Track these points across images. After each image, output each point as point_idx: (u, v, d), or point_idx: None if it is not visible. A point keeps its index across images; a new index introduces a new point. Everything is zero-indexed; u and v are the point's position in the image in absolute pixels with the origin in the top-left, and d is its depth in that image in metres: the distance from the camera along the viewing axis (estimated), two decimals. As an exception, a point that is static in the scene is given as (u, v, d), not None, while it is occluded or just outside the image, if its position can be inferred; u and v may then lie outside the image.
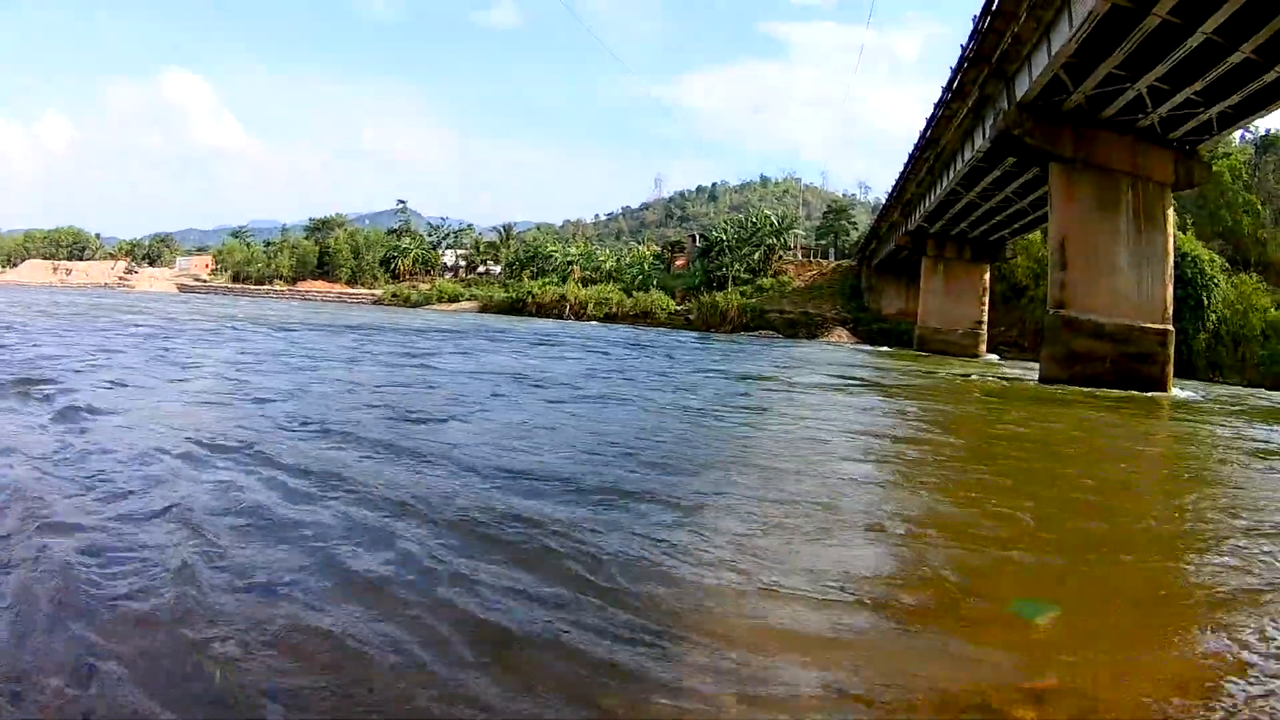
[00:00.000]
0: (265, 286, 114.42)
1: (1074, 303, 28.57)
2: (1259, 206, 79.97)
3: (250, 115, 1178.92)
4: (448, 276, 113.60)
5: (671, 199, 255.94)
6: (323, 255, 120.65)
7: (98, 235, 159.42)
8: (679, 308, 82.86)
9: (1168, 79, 25.62)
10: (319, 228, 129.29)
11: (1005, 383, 29.80)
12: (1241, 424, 20.40)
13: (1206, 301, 58.69)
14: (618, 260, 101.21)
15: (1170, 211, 30.45)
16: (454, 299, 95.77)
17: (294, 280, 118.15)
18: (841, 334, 72.84)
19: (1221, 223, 77.41)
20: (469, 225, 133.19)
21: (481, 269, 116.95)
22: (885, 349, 60.08)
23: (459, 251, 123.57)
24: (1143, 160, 29.54)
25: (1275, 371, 60.27)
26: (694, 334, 64.58)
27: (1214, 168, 73.81)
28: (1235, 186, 79.61)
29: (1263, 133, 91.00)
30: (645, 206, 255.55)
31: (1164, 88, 26.19)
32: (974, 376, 32.45)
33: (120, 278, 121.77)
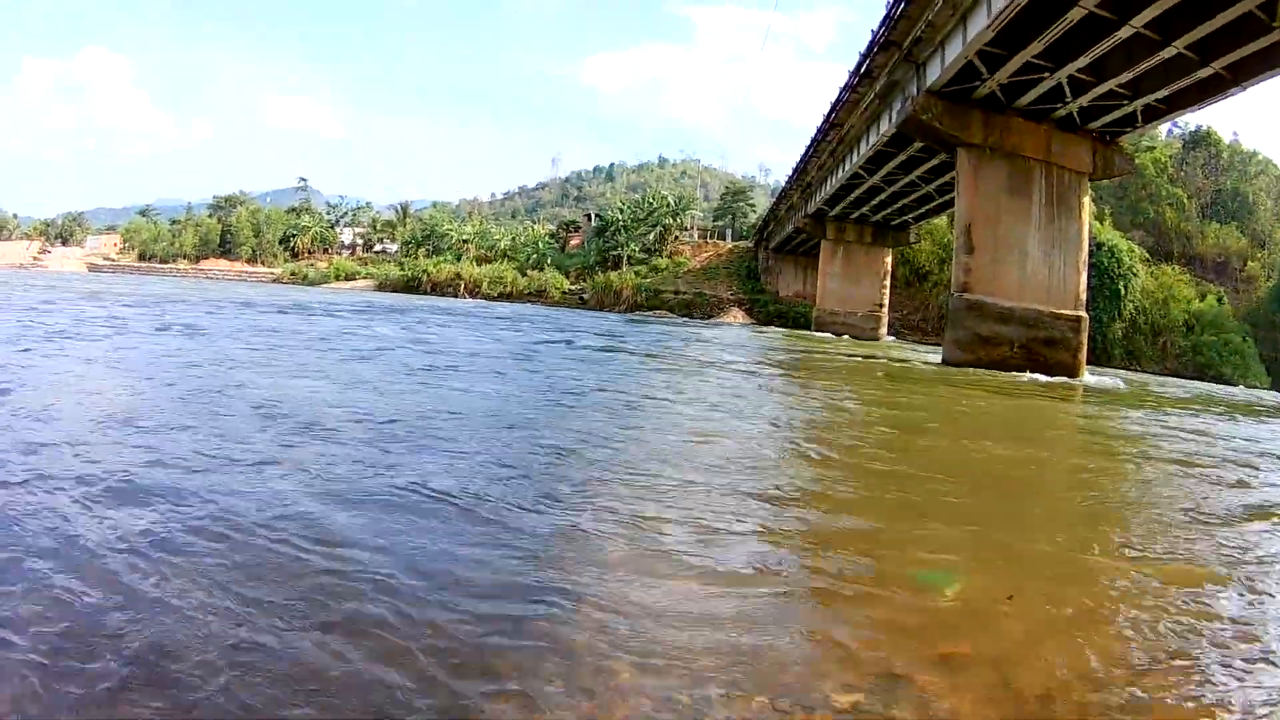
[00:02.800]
0: (170, 265, 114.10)
1: (979, 287, 29.62)
2: (1185, 200, 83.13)
3: (162, 93, 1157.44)
4: (345, 255, 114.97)
5: (568, 179, 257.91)
6: (225, 234, 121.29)
7: (15, 215, 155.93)
8: (573, 287, 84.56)
9: (1091, 70, 26.52)
10: (222, 206, 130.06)
11: (906, 365, 30.53)
12: (1152, 410, 21.34)
13: (1123, 290, 61.10)
14: (513, 239, 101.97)
15: (1086, 200, 31.45)
16: (350, 277, 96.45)
17: (198, 259, 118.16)
18: (737, 314, 74.60)
19: (1143, 214, 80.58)
20: (367, 204, 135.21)
21: (379, 247, 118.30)
22: (782, 330, 61.39)
23: (357, 230, 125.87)
24: (1058, 148, 30.64)
25: (1200, 362, 63.08)
26: (588, 313, 65.15)
27: (1137, 160, 76.89)
28: (1160, 179, 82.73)
29: (1193, 128, 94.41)
30: (541, 186, 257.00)
31: (1086, 79, 27.05)
32: (875, 358, 33.13)
33: (34, 258, 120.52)
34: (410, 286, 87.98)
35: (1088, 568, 6.03)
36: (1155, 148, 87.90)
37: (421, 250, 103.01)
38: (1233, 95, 26.31)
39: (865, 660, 3.89)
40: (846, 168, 45.92)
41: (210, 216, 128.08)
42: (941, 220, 62.84)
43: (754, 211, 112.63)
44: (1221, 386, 48.47)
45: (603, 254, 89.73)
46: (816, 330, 59.95)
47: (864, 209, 55.34)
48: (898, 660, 3.88)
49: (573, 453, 7.73)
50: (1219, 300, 72.61)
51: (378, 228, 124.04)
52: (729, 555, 5.04)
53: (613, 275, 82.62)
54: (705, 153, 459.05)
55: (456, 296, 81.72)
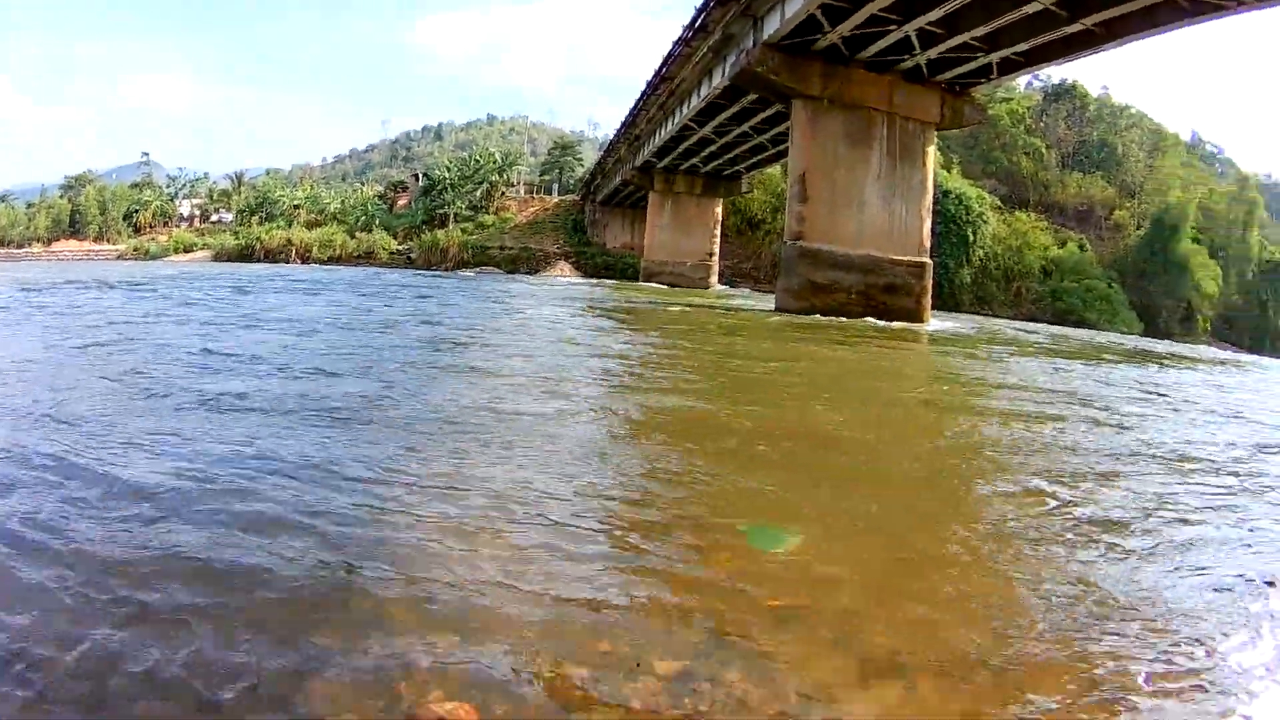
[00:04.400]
0: (25, 249, 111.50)
1: (814, 235, 30.35)
2: (1043, 150, 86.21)
3: (22, 78, 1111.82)
4: (184, 226, 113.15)
5: (397, 140, 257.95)
6: (74, 214, 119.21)
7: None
8: (400, 247, 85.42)
9: (943, 23, 26.93)
10: (71, 186, 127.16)
11: (739, 313, 31.19)
12: (995, 353, 22.29)
13: (972, 237, 63.33)
14: (342, 203, 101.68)
15: (932, 149, 32.60)
16: (189, 249, 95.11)
17: (49, 241, 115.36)
18: (565, 268, 76.05)
19: (996, 163, 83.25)
20: (204, 175, 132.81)
21: (215, 218, 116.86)
22: (610, 282, 62.60)
23: (194, 201, 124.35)
24: (902, 100, 31.51)
25: (1060, 307, 65.79)
26: (413, 272, 65.40)
27: (992, 111, 79.25)
28: (1017, 130, 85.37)
29: (1056, 81, 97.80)
30: (371, 149, 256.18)
31: (938, 31, 27.52)
32: (705, 307, 33.82)
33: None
34: (245, 255, 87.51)
35: (925, 517, 6.41)
36: (1013, 99, 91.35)
37: (255, 218, 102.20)
38: (1105, 51, 27.14)
39: (693, 622, 4.02)
40: (676, 120, 46.75)
41: (61, 197, 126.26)
42: (776, 170, 64.06)
43: (581, 166, 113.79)
44: (1086, 331, 50.73)
45: (429, 213, 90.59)
46: (645, 280, 61.62)
47: (694, 160, 56.45)
48: (728, 619, 4.03)
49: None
50: (1080, 247, 76.26)
51: (214, 198, 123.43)
52: (553, 515, 5.17)
53: (439, 234, 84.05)
54: (534, 109, 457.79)
55: (288, 262, 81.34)
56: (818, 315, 28.52)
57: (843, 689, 3.56)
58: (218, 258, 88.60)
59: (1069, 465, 8.32)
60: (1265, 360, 44.01)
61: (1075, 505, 6.58)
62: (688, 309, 31.13)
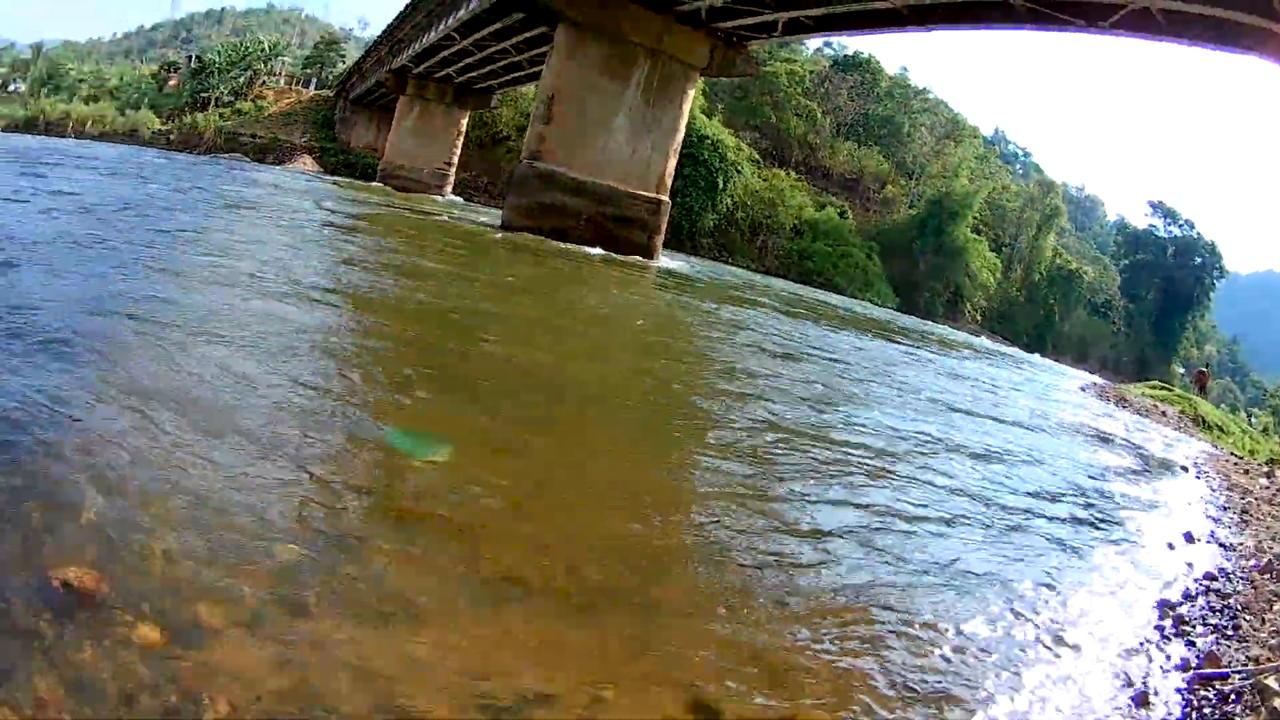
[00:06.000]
0: None
1: (552, 157, 30.68)
2: (818, 114, 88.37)
3: None
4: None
5: (182, 20, 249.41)
6: None
7: None
8: (162, 127, 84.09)
9: None
10: None
11: (467, 225, 32.00)
12: (713, 297, 23.79)
13: (722, 185, 64.37)
14: (121, 79, 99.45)
15: (692, 92, 33.46)
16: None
17: None
18: (307, 161, 75.59)
19: (762, 118, 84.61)
20: (11, 44, 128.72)
21: (12, 87, 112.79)
22: (347, 180, 62.24)
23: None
24: (671, 40, 31.83)
25: (808, 267, 68.20)
26: (165, 153, 63.23)
27: (771, 69, 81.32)
28: (793, 90, 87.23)
29: (849, 52, 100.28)
30: (158, 27, 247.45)
31: None
32: (435, 216, 34.42)
33: None
34: (29, 126, 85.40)
35: (583, 442, 7.17)
36: (797, 61, 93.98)
37: (44, 90, 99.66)
38: (911, 33, 27.53)
39: (323, 520, 4.36)
40: (440, 29, 46.96)
41: None
42: (529, 89, 64.05)
43: (344, 63, 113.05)
44: (831, 295, 53.17)
45: (194, 96, 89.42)
46: (380, 181, 62.06)
47: (450, 70, 57.13)
48: (356, 521, 4.42)
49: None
50: (841, 214, 79.68)
51: (14, 68, 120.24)
52: (208, 405, 5.49)
53: (199, 117, 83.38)
54: (314, 3, 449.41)
55: (64, 136, 79.44)
56: (544, 237, 29.11)
57: (451, 600, 4.01)
58: (7, 129, 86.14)
59: (723, 407, 9.51)
60: (1018, 353, 49.32)
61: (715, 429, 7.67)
62: (410, 214, 32.02)
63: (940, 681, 4.42)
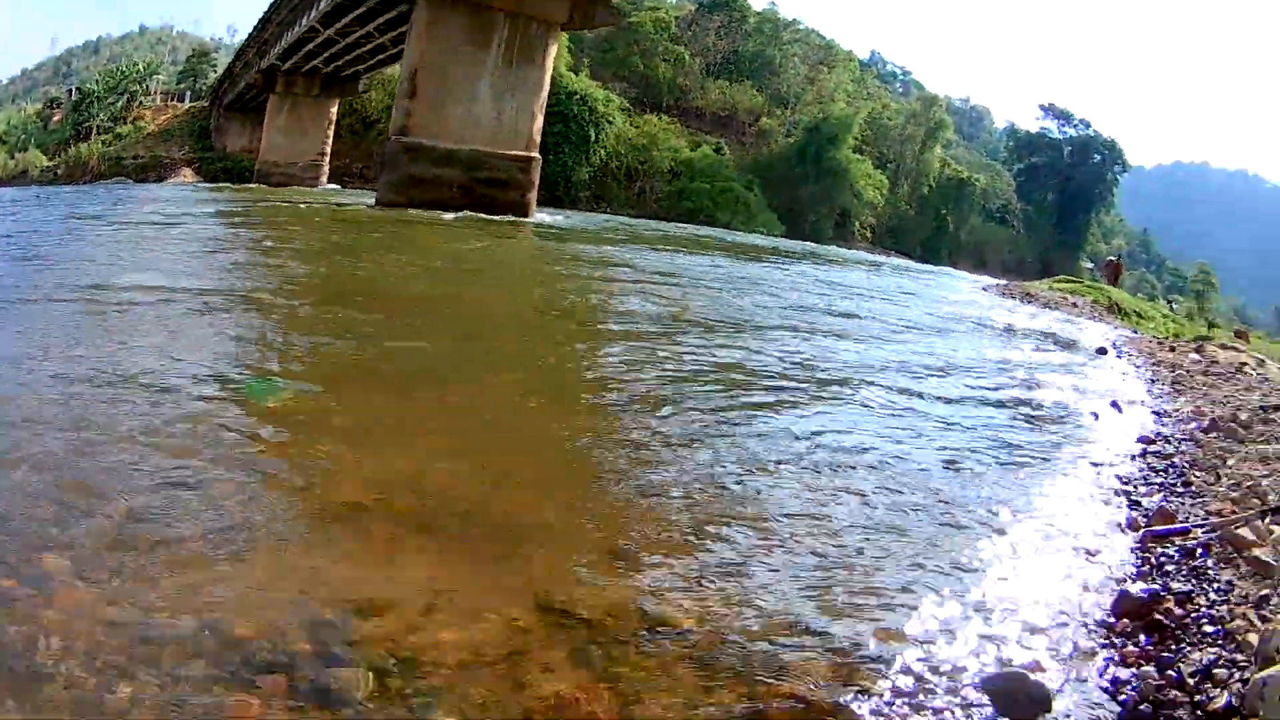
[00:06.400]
0: None
1: (420, 130, 31.40)
2: (686, 57, 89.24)
3: None
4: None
5: (60, 56, 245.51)
6: None
7: None
8: (50, 164, 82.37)
9: None
10: None
11: (338, 208, 31.94)
12: (584, 241, 24.86)
13: (594, 137, 65.29)
14: (8, 122, 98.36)
15: (553, 48, 34.38)
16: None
17: None
18: (188, 174, 74.69)
19: (631, 67, 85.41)
20: None
21: None
22: (227, 185, 61.03)
23: None
24: (530, 1, 32.61)
25: (689, 207, 69.42)
26: (46, 188, 62.31)
27: (635, 19, 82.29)
28: (659, 37, 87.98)
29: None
30: (40, 66, 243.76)
31: None
32: (307, 204, 33.61)
33: None
34: None
35: (440, 380, 7.41)
36: (661, 9, 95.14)
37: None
38: None
39: (165, 462, 4.60)
40: (305, 22, 47.51)
41: None
42: (395, 70, 64.08)
43: (215, 72, 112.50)
44: (717, 230, 53.75)
45: (77, 127, 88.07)
46: (258, 182, 61.22)
47: (316, 61, 57.37)
48: (202, 464, 4.62)
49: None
50: (717, 151, 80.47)
51: None
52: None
53: (82, 147, 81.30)
54: (183, 19, 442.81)
55: (-41, 184, 78.87)
56: (420, 209, 29.36)
57: (290, 528, 4.15)
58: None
59: (576, 330, 10.23)
60: (911, 264, 50.23)
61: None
62: (281, 205, 31.82)
63: (821, 564, 4.50)
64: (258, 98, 69.02)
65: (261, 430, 5.38)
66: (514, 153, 32.95)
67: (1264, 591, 4.60)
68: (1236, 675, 3.73)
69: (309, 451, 5.13)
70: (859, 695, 3.27)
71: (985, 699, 3.40)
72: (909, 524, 5.26)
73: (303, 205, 31.63)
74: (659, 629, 3.61)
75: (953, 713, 3.28)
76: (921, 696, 3.33)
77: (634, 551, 4.37)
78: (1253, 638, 3.99)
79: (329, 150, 65.33)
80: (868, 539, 4.88)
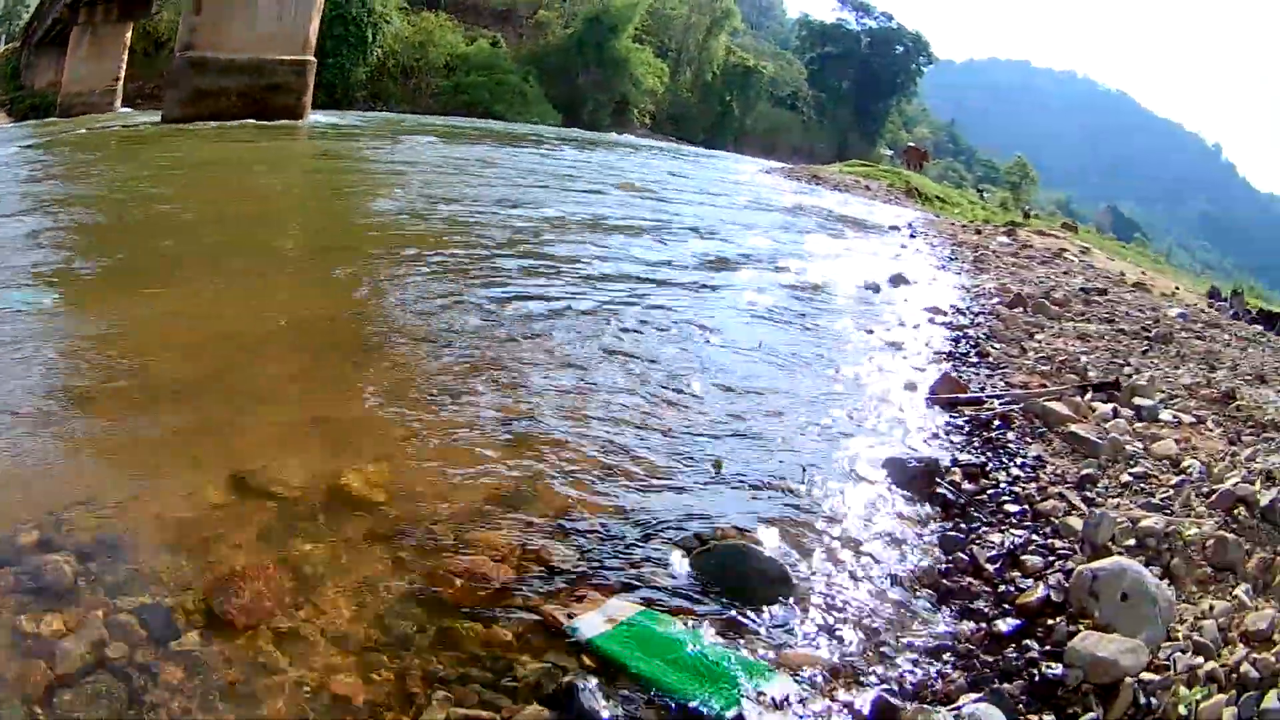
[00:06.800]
0: None
1: (204, 44, 32.20)
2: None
3: None
4: None
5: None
6: None
7: None
8: None
9: None
10: None
11: (126, 128, 32.07)
12: (360, 140, 26.64)
13: (372, 38, 66.40)
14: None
15: None
16: None
17: None
18: (0, 117, 74.42)
19: None
20: None
21: None
22: (33, 121, 59.60)
23: None
24: None
25: (466, 100, 71.75)
26: None
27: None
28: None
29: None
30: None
31: None
32: (98, 128, 33.26)
33: None
34: None
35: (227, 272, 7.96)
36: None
37: None
38: None
39: None
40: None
41: None
42: None
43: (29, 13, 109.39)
44: (492, 122, 56.09)
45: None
46: (61, 115, 58.14)
47: (117, -12, 55.46)
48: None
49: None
50: (494, 44, 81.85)
51: None
52: None
53: None
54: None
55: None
56: (203, 122, 29.85)
57: (64, 411, 4.39)
58: None
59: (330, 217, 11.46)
60: (692, 149, 53.19)
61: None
62: (67, 134, 29.51)
63: (521, 424, 4.98)
64: (64, 32, 68.47)
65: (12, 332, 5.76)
66: (292, 57, 33.91)
67: (1088, 471, 4.64)
68: (1056, 564, 3.67)
69: (52, 350, 5.50)
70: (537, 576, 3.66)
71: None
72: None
73: (83, 131, 30.63)
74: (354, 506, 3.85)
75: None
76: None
77: (338, 421, 4.70)
78: (1074, 521, 4.01)
79: (123, 75, 62.66)
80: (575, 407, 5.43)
